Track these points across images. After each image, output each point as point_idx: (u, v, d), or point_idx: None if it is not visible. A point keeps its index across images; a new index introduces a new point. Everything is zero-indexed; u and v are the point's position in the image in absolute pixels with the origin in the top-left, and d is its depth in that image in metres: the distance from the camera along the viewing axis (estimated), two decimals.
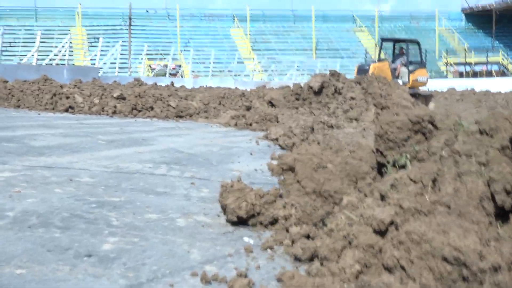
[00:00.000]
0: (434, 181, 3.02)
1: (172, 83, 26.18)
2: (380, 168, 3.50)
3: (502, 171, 2.79)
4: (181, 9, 55.83)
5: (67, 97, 14.06)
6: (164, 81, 29.13)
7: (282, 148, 9.05)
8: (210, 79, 35.17)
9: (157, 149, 7.80)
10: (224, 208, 3.73)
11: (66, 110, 13.47)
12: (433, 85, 36.82)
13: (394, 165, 3.36)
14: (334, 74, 17.12)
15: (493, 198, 2.83)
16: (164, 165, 6.35)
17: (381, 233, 2.82)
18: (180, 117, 13.84)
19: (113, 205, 4.08)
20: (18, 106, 13.70)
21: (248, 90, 23.92)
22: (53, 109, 13.55)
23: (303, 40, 56.06)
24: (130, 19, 43.40)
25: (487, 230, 2.73)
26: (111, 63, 34.91)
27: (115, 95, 14.34)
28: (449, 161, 2.97)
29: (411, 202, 2.65)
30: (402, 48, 23.83)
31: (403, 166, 3.33)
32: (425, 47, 55.01)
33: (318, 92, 15.16)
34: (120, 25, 52.00)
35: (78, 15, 53.30)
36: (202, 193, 4.89)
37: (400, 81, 21.99)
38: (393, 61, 23.50)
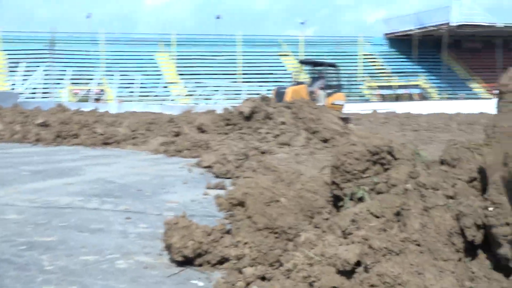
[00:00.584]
0: (397, 215, 2.85)
1: (96, 109, 25.60)
2: (336, 202, 3.31)
3: (472, 205, 2.63)
4: (105, 33, 55.04)
5: None
6: (88, 107, 28.41)
7: (217, 176, 8.81)
8: (135, 104, 34.60)
9: (86, 179, 7.42)
10: (168, 247, 3.45)
11: None
12: (356, 108, 37.42)
13: (351, 198, 3.17)
14: (264, 98, 17.03)
15: (462, 232, 2.67)
16: (96, 198, 6.00)
17: (347, 273, 2.61)
18: (107, 144, 13.39)
19: (45, 247, 3.74)
20: None
21: (175, 114, 23.64)
22: None
23: (229, 65, 56.16)
24: (52, 43, 42.34)
25: (457, 267, 2.57)
26: (33, 88, 33.89)
27: (38, 122, 13.80)
28: (414, 194, 2.80)
29: (381, 241, 2.46)
30: (320, 72, 24.02)
31: (361, 199, 3.15)
32: (349, 71, 56.05)
33: (248, 117, 14.97)
34: (42, 49, 50.65)
35: None
36: (139, 229, 4.58)
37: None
38: (311, 85, 23.63)
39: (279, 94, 21.79)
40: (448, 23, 54.64)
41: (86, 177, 7.63)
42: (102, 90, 44.44)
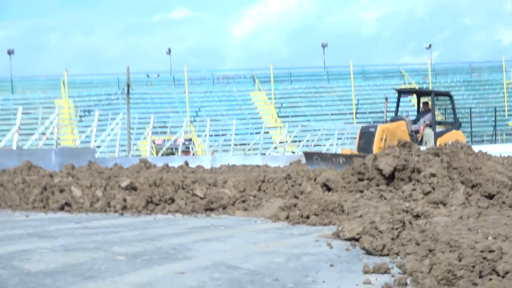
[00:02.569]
0: None
1: (186, 163, 25.37)
2: None
3: None
4: (189, 72, 55.62)
5: (61, 190, 13.12)
6: (175, 161, 28.40)
7: (369, 252, 7.97)
8: (231, 156, 34.34)
9: (201, 265, 6.71)
10: None
11: (62, 208, 12.54)
12: (505, 149, 35.74)
13: None
14: (405, 145, 16.18)
15: None
16: None
17: None
18: (211, 210, 12.86)
19: None
20: None
21: (285, 167, 23.01)
22: (44, 207, 12.62)
23: (341, 102, 55.51)
24: (128, 86, 42.87)
25: None
26: (110, 140, 34.24)
27: (123, 185, 13.42)
28: None
29: None
30: (426, 104, 22.41)
31: None
32: (491, 104, 54.19)
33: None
34: (115, 93, 51.77)
35: (63, 84, 53.14)
36: None
37: (423, 148, 20.38)
38: (415, 121, 22.08)
39: (366, 136, 20.43)
40: None
41: (199, 261, 6.93)
42: (189, 140, 44.70)
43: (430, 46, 65.40)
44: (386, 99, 23.13)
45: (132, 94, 47.92)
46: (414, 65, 62.71)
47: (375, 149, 19.45)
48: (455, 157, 14.76)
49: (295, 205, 12.21)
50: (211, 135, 42.68)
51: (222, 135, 43.56)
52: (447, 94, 23.20)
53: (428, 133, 20.88)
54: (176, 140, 40.09)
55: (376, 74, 59.30)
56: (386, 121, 21.75)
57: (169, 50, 59.48)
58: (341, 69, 59.46)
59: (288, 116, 52.46)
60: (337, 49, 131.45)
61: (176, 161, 28.00)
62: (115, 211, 12.56)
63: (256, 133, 46.18)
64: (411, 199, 13.47)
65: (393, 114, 23.39)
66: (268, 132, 48.36)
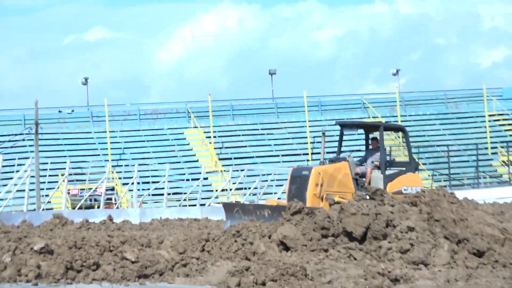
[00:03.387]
0: None
1: (110, 218, 25.04)
2: None
3: None
4: (110, 106, 55.25)
5: None
6: (96, 215, 28.05)
7: None
8: (165, 208, 34.14)
9: None
10: None
11: None
12: (490, 194, 36.17)
13: None
14: (376, 193, 16.33)
15: None
16: None
17: None
18: (145, 277, 12.74)
19: None
20: None
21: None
22: None
23: (293, 141, 55.74)
24: (37, 124, 42.48)
25: None
26: (16, 191, 33.77)
27: (36, 248, 13.24)
28: None
29: None
30: (376, 140, 21.64)
31: None
32: (472, 140, 54.94)
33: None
34: (21, 134, 51.21)
35: None
36: None
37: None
38: (362, 161, 21.53)
39: (298, 181, 20.04)
40: None
41: None
42: (112, 189, 44.17)
43: (397, 71, 66.05)
44: (324, 133, 22.27)
45: (41, 134, 47.34)
46: (379, 95, 63.29)
47: (309, 197, 18.99)
48: (437, 207, 14.89)
49: (247, 269, 12.20)
50: (139, 183, 42.26)
51: (153, 182, 43.04)
52: (399, 128, 23.05)
53: (376, 176, 20.42)
54: (96, 189, 39.57)
55: (335, 107, 59.62)
56: (324, 162, 21.12)
57: (86, 79, 59.06)
58: (293, 101, 59.68)
59: (231, 159, 52.30)
60: (287, 77, 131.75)
61: (97, 216, 27.61)
62: (28, 281, 12.31)
63: (193, 179, 45.89)
64: (386, 259, 13.57)
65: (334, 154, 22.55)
66: (207, 178, 48.11)
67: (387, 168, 20.82)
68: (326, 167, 20.13)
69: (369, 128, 23.01)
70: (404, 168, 21.29)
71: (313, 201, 19.00)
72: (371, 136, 22.38)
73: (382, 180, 20.11)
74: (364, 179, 20.29)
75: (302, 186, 19.56)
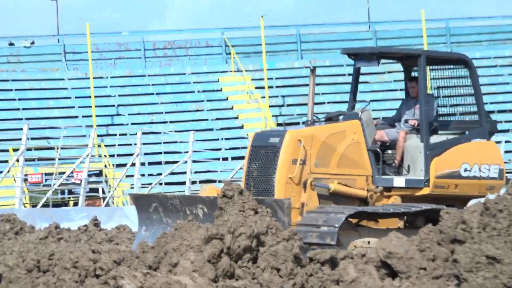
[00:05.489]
0: None
1: (96, 222, 19.03)
2: None
3: None
4: (95, 35, 46.18)
5: None
6: (73, 218, 22.12)
7: None
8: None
9: None
10: None
11: None
12: None
13: None
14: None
15: None
16: None
17: None
18: None
19: None
20: None
21: None
22: None
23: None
24: None
25: None
26: None
27: None
28: None
29: None
30: (414, 82, 15.10)
31: None
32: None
33: None
34: None
35: None
36: None
37: (399, 180, 14.18)
38: (394, 120, 15.05)
39: (262, 155, 13.96)
40: None
41: None
42: (99, 173, 35.07)
43: None
44: (313, 69, 15.49)
45: None
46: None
47: (279, 183, 13.70)
48: None
49: None
50: (143, 163, 31.31)
51: (167, 162, 32.79)
52: (458, 61, 15.83)
53: (413, 145, 14.37)
54: (72, 174, 29.80)
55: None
56: (313, 122, 14.62)
57: None
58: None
59: (298, 123, 44.55)
60: None
61: (74, 218, 22.28)
62: None
63: (233, 157, 35.29)
64: None
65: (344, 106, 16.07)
66: None
67: (435, 131, 14.59)
68: (313, 130, 13.96)
69: (404, 60, 16.05)
70: (466, 132, 14.87)
71: (287, 189, 13.58)
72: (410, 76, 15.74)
73: (422, 153, 14.11)
74: (395, 151, 14.41)
75: (268, 163, 13.76)
